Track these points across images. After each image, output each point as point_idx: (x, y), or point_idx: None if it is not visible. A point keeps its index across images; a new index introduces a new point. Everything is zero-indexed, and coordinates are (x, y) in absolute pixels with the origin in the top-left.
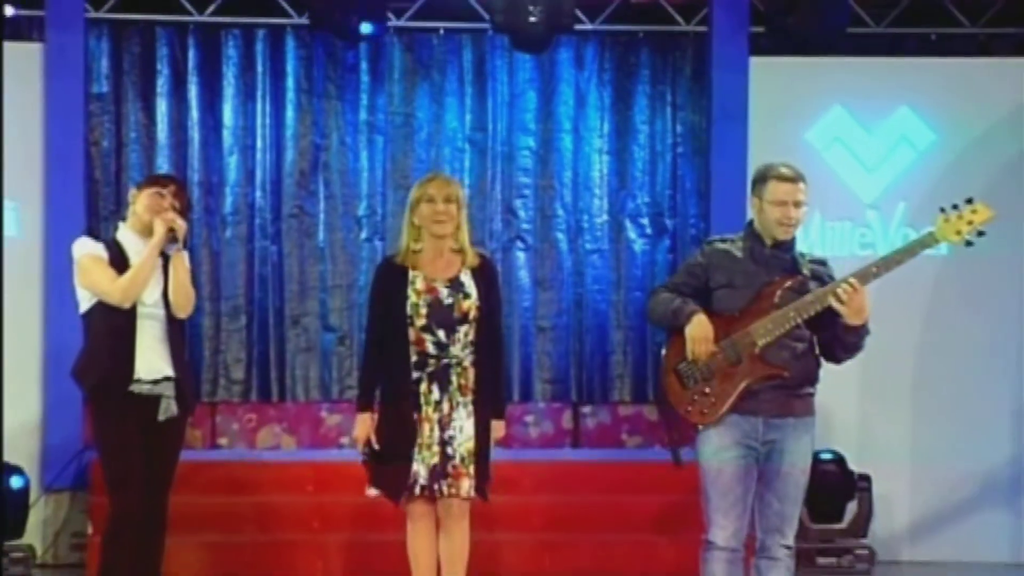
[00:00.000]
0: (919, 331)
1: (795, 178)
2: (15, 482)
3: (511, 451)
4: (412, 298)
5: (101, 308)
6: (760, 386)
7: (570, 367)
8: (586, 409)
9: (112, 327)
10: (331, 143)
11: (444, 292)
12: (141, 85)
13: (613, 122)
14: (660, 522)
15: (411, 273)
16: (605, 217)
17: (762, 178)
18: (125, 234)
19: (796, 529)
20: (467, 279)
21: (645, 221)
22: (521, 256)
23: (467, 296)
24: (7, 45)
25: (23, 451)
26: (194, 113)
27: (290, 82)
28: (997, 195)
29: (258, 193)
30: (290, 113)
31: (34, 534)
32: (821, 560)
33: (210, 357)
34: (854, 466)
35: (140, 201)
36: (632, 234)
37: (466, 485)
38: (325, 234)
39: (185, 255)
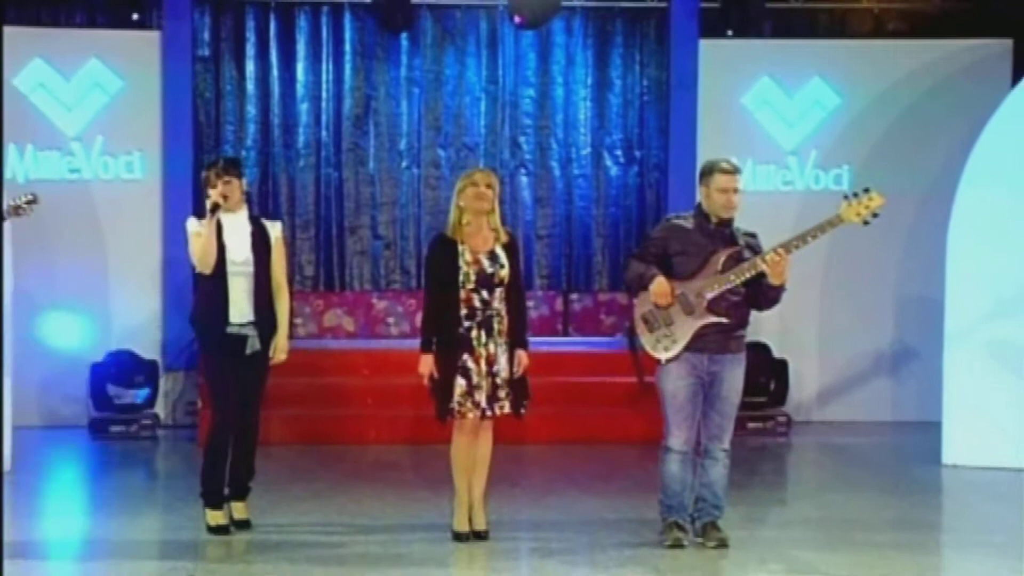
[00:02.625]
0: (825, 250)
1: (734, 171)
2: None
3: None
4: (463, 268)
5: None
6: (707, 330)
7: (561, 265)
8: (574, 296)
9: (211, 284)
10: (379, 94)
11: (486, 263)
12: (235, 49)
13: (595, 77)
14: (630, 399)
15: (460, 247)
16: (588, 150)
17: (709, 171)
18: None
19: (731, 436)
20: (500, 252)
21: (619, 152)
22: (524, 180)
23: (502, 266)
24: (135, 33)
25: (150, 341)
26: (275, 71)
27: (347, 47)
28: (885, 143)
29: (324, 132)
30: (348, 71)
31: (159, 404)
32: (751, 425)
33: (288, 259)
34: (776, 352)
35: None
36: (609, 163)
37: (506, 406)
38: (375, 164)
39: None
